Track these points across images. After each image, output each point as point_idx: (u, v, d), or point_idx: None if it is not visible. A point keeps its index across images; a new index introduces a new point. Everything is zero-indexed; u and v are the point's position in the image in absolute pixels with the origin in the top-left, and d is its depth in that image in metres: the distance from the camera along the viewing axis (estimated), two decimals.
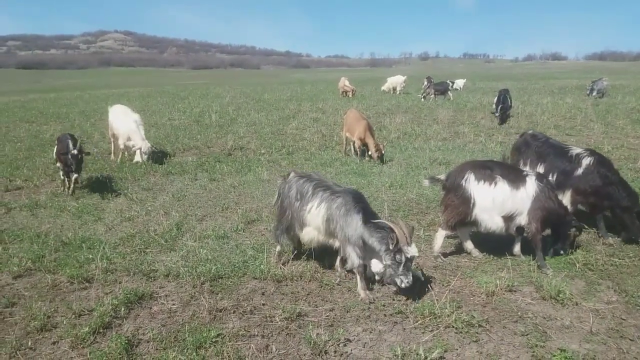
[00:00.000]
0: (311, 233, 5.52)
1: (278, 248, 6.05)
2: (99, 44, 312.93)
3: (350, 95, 28.34)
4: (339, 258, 5.64)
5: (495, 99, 17.97)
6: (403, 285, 4.87)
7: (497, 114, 16.88)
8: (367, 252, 5.08)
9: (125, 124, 12.05)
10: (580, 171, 6.80)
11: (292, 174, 5.77)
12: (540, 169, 7.16)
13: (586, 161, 6.80)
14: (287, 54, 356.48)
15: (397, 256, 4.83)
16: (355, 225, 5.09)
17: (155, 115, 20.61)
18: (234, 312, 4.89)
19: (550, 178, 6.89)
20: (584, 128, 15.75)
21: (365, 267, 5.20)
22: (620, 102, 22.24)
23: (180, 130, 16.52)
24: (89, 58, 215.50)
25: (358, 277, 5.22)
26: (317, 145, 14.10)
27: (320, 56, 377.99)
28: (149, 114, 20.87)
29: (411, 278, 4.88)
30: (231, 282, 5.54)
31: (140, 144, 11.80)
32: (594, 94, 24.83)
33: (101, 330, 4.54)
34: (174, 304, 5.07)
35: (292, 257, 5.99)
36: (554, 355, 4.04)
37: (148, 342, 4.39)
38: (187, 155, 13.11)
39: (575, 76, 51.46)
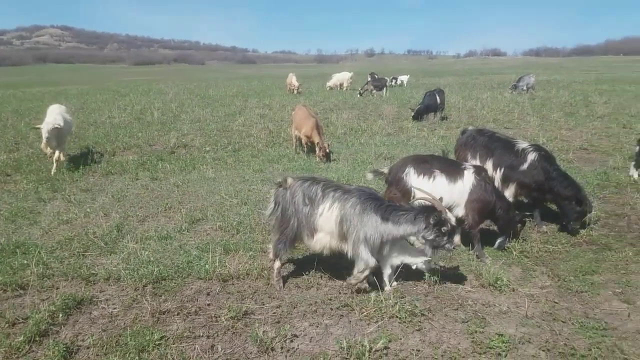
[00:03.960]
0: (324, 239, 5.07)
1: (277, 264, 5.34)
2: (34, 40, 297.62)
3: (295, 92, 28.35)
4: (386, 273, 5.29)
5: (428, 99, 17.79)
6: (453, 248, 5.08)
7: (440, 111, 17.30)
8: (395, 244, 5.07)
9: (45, 125, 11.03)
10: (525, 166, 7.05)
11: (290, 180, 5.19)
12: (489, 163, 7.36)
13: (531, 156, 7.06)
14: (233, 50, 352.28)
15: (443, 228, 4.90)
16: (373, 223, 4.86)
17: (95, 113, 19.81)
18: (178, 313, 4.79)
19: (498, 172, 7.15)
20: (521, 121, 16.44)
21: (377, 268, 5.11)
22: (555, 96, 23.40)
23: (120, 129, 15.97)
24: (23, 54, 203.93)
25: (362, 275, 5.07)
26: (264, 141, 14.00)
27: (267, 52, 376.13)
28: (88, 112, 20.07)
29: (455, 239, 5.10)
30: (175, 283, 5.42)
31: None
32: (523, 89, 25.79)
33: (37, 339, 4.33)
34: (115, 308, 4.91)
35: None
36: (492, 340, 4.21)
37: (88, 348, 4.23)
38: (128, 154, 12.68)
39: (513, 71, 53.43)
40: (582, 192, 6.84)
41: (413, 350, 4.13)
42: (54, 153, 10.89)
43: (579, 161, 10.95)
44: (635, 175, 9.24)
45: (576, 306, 4.85)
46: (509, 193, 7.09)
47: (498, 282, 5.17)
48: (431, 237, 4.91)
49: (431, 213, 4.88)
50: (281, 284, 5.33)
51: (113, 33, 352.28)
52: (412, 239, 5.25)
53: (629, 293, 5.06)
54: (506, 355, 4.02)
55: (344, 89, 31.45)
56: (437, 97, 17.32)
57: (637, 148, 9.29)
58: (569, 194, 6.79)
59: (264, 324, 4.54)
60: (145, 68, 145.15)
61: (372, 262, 4.91)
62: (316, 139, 11.62)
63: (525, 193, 7.19)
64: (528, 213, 7.26)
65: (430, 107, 17.13)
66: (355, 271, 5.04)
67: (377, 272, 5.21)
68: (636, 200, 7.90)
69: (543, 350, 4.09)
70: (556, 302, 4.93)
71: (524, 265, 5.80)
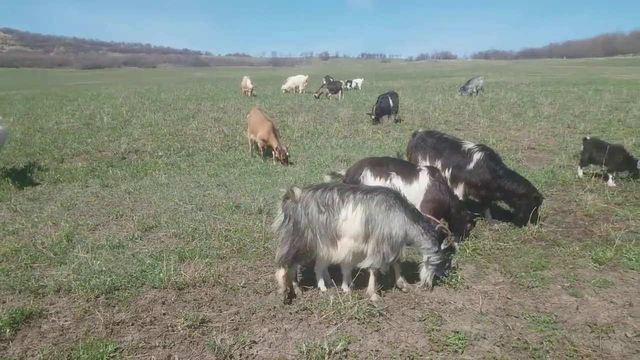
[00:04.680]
0: (348, 244, 4.85)
1: (282, 271, 5.04)
2: None
3: (249, 95, 28.17)
4: (398, 271, 5.31)
5: (382, 101, 17.80)
6: (447, 274, 5.30)
7: (394, 111, 17.48)
8: (401, 246, 5.01)
9: None
10: (471, 166, 7.23)
11: (298, 191, 4.91)
12: (438, 164, 7.50)
13: (477, 156, 7.24)
14: (186, 52, 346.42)
15: (449, 254, 5.15)
16: (400, 221, 4.82)
17: (41, 119, 19.02)
18: (133, 324, 4.65)
19: (446, 172, 7.30)
20: (472, 123, 16.90)
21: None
22: (503, 97, 24.20)
23: (68, 135, 15.41)
24: None
25: (374, 278, 5.07)
26: (219, 145, 13.82)
27: (220, 54, 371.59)
28: (34, 118, 19.24)
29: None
30: (128, 293, 5.25)
31: None
32: (473, 91, 26.47)
33: None
34: (66, 321, 4.71)
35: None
36: (449, 338, 4.28)
37: None
38: (77, 160, 12.25)
39: (463, 74, 54.95)
40: (532, 187, 7.12)
41: (372, 350, 4.15)
42: None
43: (527, 160, 11.34)
44: (580, 173, 9.67)
45: (528, 301, 5.00)
46: (458, 192, 7.26)
47: (453, 280, 5.28)
48: (437, 262, 5.09)
49: (444, 236, 5.05)
50: (288, 295, 5.08)
51: (60, 36, 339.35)
52: (420, 251, 5.19)
53: (576, 287, 5.26)
54: (462, 352, 4.10)
55: (300, 92, 31.48)
56: (390, 100, 17.53)
57: (582, 147, 9.72)
58: (521, 191, 7.02)
59: (222, 332, 4.46)
60: (94, 72, 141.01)
61: (392, 258, 4.90)
62: (274, 143, 11.55)
63: (473, 192, 7.37)
64: (477, 214, 7.46)
65: (384, 109, 17.33)
66: (374, 266, 4.96)
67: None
68: (581, 197, 8.25)
69: (497, 346, 4.19)
70: (509, 298, 5.07)
71: (477, 263, 5.94)
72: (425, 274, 5.17)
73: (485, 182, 7.15)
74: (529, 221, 6.98)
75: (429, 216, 5.30)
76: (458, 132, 14.80)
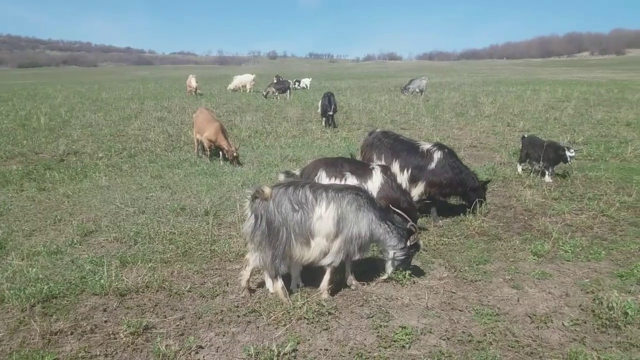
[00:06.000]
0: (322, 244, 4.77)
1: (280, 282, 4.89)
2: None
3: (193, 94, 27.66)
4: (349, 268, 5.30)
5: (320, 102, 17.09)
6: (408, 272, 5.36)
7: (330, 112, 16.46)
8: (368, 245, 5.11)
9: None
10: (433, 165, 7.37)
11: (267, 189, 4.73)
12: (395, 164, 7.54)
13: (437, 155, 7.40)
14: (128, 50, 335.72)
15: (414, 250, 5.26)
16: (368, 221, 4.84)
17: None
18: (72, 333, 4.44)
19: (405, 173, 7.41)
20: (417, 122, 17.27)
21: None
22: (447, 97, 24.90)
23: (2, 136, 14.58)
24: None
25: (330, 276, 5.03)
26: (163, 146, 13.48)
27: (165, 53, 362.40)
28: None
29: None
30: (67, 301, 5.01)
31: None
32: (415, 91, 26.91)
33: None
34: None
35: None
36: (397, 333, 4.33)
37: None
38: (11, 163, 11.61)
39: (409, 75, 56.03)
40: (478, 178, 7.63)
41: (321, 350, 4.14)
42: None
43: (469, 158, 11.69)
44: (520, 170, 10.06)
45: (471, 295, 5.14)
46: (418, 191, 7.43)
47: (399, 276, 5.34)
48: (402, 258, 5.16)
49: (410, 233, 5.11)
50: (289, 298, 4.92)
51: None
52: (386, 249, 5.20)
53: (517, 279, 5.45)
54: (410, 347, 4.16)
55: (247, 91, 31.20)
56: (327, 99, 16.88)
57: (521, 144, 10.11)
58: (477, 184, 7.45)
59: (167, 338, 4.32)
60: (30, 70, 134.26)
61: (357, 257, 4.98)
62: (223, 144, 11.35)
63: (436, 191, 7.47)
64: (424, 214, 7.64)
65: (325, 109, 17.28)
66: (334, 264, 4.93)
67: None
68: (521, 192, 8.57)
69: (443, 340, 4.28)
70: (454, 292, 5.19)
71: (422, 259, 6.05)
72: (390, 269, 5.25)
73: (449, 180, 7.35)
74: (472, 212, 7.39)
75: (401, 213, 5.34)
76: (404, 132, 15.05)
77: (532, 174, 9.77)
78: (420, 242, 5.42)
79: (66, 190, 9.24)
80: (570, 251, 6.11)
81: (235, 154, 11.28)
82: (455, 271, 5.69)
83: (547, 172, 9.46)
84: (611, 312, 4.52)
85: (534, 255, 6.05)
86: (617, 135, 13.93)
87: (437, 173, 7.35)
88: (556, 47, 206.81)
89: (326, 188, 4.85)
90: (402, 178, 7.39)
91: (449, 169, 7.34)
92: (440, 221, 7.45)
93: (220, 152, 11.73)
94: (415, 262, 5.94)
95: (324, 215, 4.70)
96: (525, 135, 10.22)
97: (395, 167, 7.48)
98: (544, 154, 9.35)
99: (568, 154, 9.05)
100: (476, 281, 5.42)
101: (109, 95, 28.34)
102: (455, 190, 7.50)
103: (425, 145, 7.61)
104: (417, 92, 26.65)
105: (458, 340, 4.26)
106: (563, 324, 4.50)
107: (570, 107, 19.48)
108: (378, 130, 8.38)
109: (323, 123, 16.78)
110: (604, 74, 49.57)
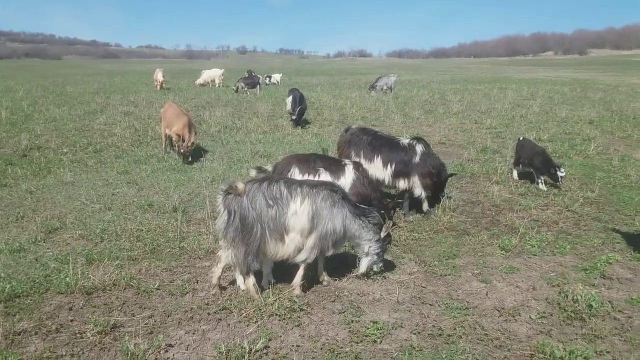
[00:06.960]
0: (296, 240, 4.75)
1: (252, 279, 4.86)
2: None
3: (158, 88, 27.18)
4: (322, 264, 5.29)
5: (290, 98, 16.28)
6: (380, 269, 5.42)
7: (294, 116, 15.69)
8: (342, 241, 5.12)
9: None
10: (417, 158, 7.42)
11: (241, 184, 4.66)
12: (378, 160, 7.52)
13: (419, 148, 7.47)
14: (94, 44, 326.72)
15: (387, 242, 5.33)
16: (343, 217, 4.87)
17: None
18: (36, 333, 4.32)
19: (389, 168, 7.42)
20: (387, 119, 17.39)
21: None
22: (416, 95, 25.14)
23: None
24: None
25: (303, 272, 5.02)
26: (129, 141, 13.19)
27: (131, 46, 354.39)
28: None
29: None
30: (31, 300, 4.88)
31: None
32: (383, 88, 26.73)
33: None
34: None
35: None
36: (368, 328, 4.36)
37: None
38: None
39: (378, 72, 56.34)
40: None
41: (293, 346, 4.14)
42: None
43: (438, 155, 11.76)
44: (515, 175, 9.63)
45: (441, 289, 5.21)
46: (410, 185, 7.49)
47: (371, 272, 5.38)
48: (377, 251, 5.18)
49: (383, 225, 5.16)
50: (260, 295, 4.90)
51: None
52: (361, 243, 5.19)
53: (485, 273, 5.56)
54: (381, 342, 4.19)
55: (217, 85, 30.84)
56: (292, 95, 16.34)
57: (515, 148, 9.72)
58: (448, 173, 7.77)
59: (135, 336, 4.25)
60: None
61: (331, 252, 5.03)
62: (192, 139, 11.10)
63: (429, 182, 7.49)
64: (399, 200, 7.70)
65: (305, 108, 17.21)
66: (308, 260, 4.94)
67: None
68: (488, 188, 8.74)
69: (414, 334, 4.33)
70: (424, 287, 5.26)
71: (393, 253, 6.10)
72: (366, 263, 5.24)
73: (438, 169, 7.50)
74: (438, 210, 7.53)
75: (369, 208, 5.36)
76: (375, 129, 15.09)
77: (498, 170, 9.86)
78: (391, 234, 5.50)
79: (29, 186, 8.96)
80: (536, 246, 6.27)
81: (187, 149, 10.96)
82: (425, 266, 5.77)
83: (538, 181, 8.99)
84: (576, 305, 4.67)
85: (501, 250, 6.19)
86: (580, 132, 14.32)
87: (424, 165, 7.42)
88: (522, 46, 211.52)
89: (301, 183, 4.84)
90: (386, 173, 7.44)
91: (435, 158, 7.56)
92: (410, 216, 7.53)
93: (177, 146, 11.43)
94: (386, 256, 6.00)
95: (298, 211, 4.68)
96: (521, 139, 9.93)
97: (378, 163, 7.48)
98: (533, 162, 8.99)
99: (559, 174, 8.67)
100: (446, 275, 5.51)
101: (74, 89, 27.59)
102: (440, 178, 7.60)
103: (405, 140, 7.66)
104: (385, 90, 26.64)
105: (428, 334, 4.32)
106: (530, 317, 4.61)
107: (536, 105, 19.94)
108: (354, 126, 8.39)
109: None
110: (568, 73, 50.89)
